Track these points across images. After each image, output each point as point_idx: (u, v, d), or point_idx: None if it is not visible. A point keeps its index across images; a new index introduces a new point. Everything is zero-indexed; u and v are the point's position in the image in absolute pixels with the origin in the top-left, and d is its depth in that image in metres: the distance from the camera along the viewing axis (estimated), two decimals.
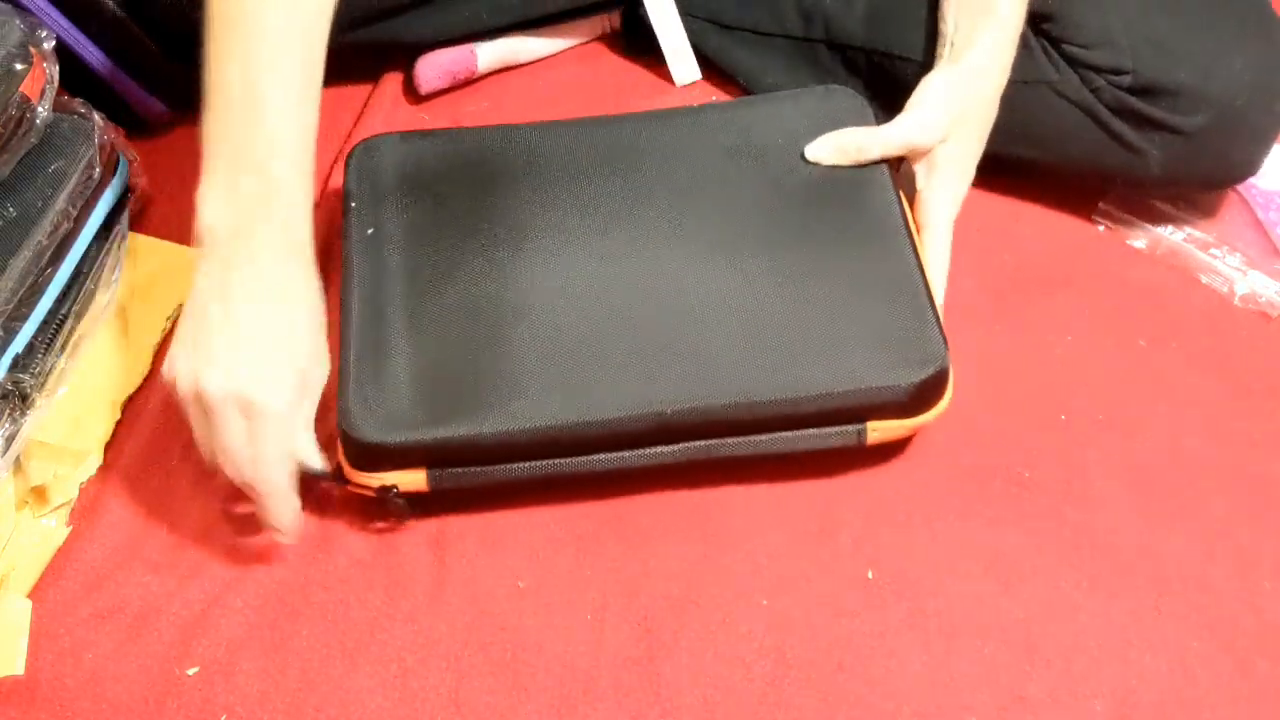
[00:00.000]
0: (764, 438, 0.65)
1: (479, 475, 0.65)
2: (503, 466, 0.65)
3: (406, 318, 0.67)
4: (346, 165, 0.75)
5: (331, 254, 0.80)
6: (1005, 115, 0.75)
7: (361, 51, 0.89)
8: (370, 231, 0.71)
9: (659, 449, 0.65)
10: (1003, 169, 0.80)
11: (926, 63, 0.77)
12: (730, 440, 0.65)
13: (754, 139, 0.75)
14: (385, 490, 0.64)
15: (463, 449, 0.63)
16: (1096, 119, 0.76)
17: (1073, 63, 0.76)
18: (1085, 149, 0.78)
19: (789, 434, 0.65)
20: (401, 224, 0.71)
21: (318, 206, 0.83)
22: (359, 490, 0.65)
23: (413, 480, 0.64)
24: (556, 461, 0.65)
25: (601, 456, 0.65)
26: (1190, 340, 0.77)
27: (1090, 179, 0.82)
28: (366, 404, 0.63)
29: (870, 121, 0.75)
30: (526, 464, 0.65)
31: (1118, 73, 0.75)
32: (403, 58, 0.92)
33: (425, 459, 0.64)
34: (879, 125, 0.74)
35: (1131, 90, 0.75)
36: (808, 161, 0.73)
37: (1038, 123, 0.78)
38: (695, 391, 0.64)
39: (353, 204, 0.73)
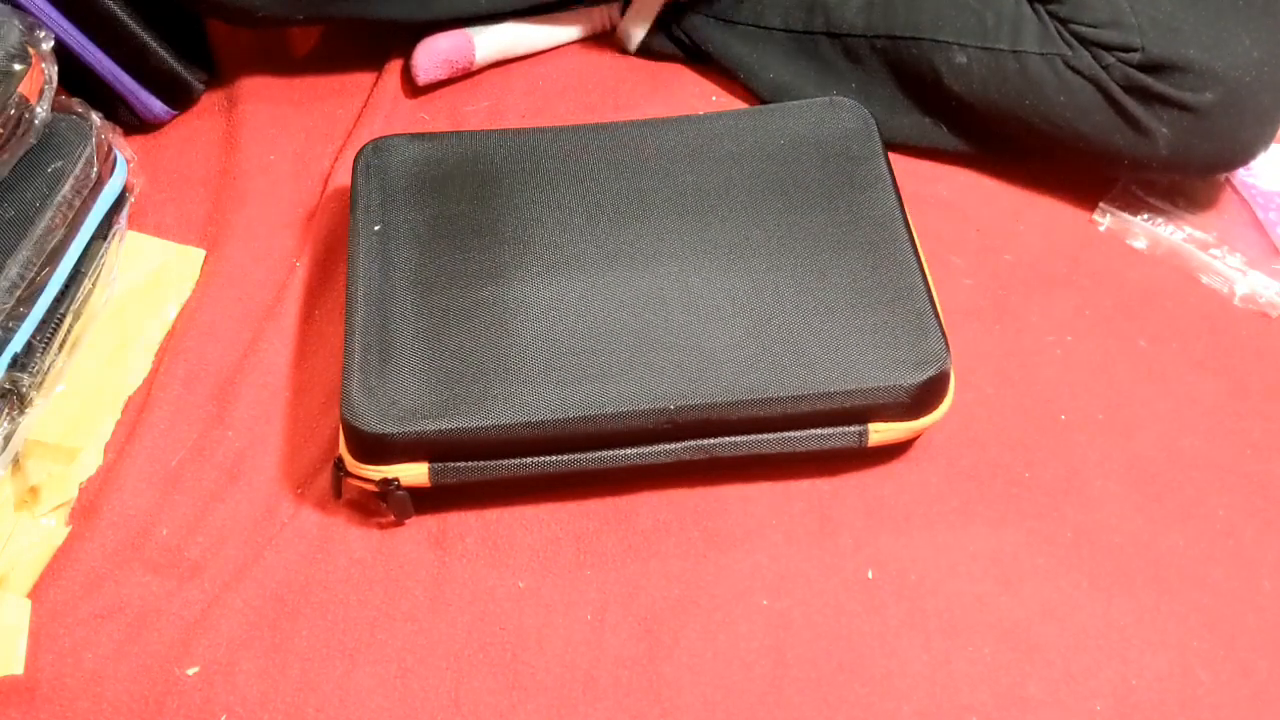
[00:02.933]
0: (766, 437, 0.66)
1: (481, 470, 0.65)
2: (505, 461, 0.65)
3: (412, 312, 0.67)
4: (355, 164, 0.76)
5: (338, 252, 0.80)
6: (1021, 85, 0.76)
7: (359, 35, 0.88)
8: (377, 228, 0.72)
9: (661, 447, 0.65)
10: (1015, 151, 0.80)
11: (929, 40, 0.77)
12: (732, 439, 0.65)
13: (758, 145, 0.76)
14: (387, 483, 0.64)
15: (466, 442, 0.63)
16: (1108, 95, 0.77)
17: (1083, 41, 0.77)
18: (1095, 127, 0.78)
19: (791, 434, 0.66)
20: (409, 221, 0.72)
21: (322, 205, 0.84)
22: (361, 484, 0.65)
23: (415, 474, 0.64)
24: (559, 458, 0.65)
25: (604, 453, 0.65)
26: (1190, 340, 0.77)
27: (1098, 164, 0.81)
28: (371, 395, 0.64)
29: (872, 130, 0.76)
30: (529, 459, 0.65)
31: (1127, 50, 0.75)
32: (401, 51, 0.92)
33: (428, 452, 0.64)
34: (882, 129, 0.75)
35: (1141, 67, 0.75)
36: (811, 167, 0.74)
37: (1051, 96, 0.78)
38: (700, 388, 0.64)
39: (360, 201, 0.73)
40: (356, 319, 0.67)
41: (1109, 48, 0.76)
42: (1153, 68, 0.75)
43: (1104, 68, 0.76)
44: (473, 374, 0.65)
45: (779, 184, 0.74)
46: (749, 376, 0.65)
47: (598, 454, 0.65)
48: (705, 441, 0.65)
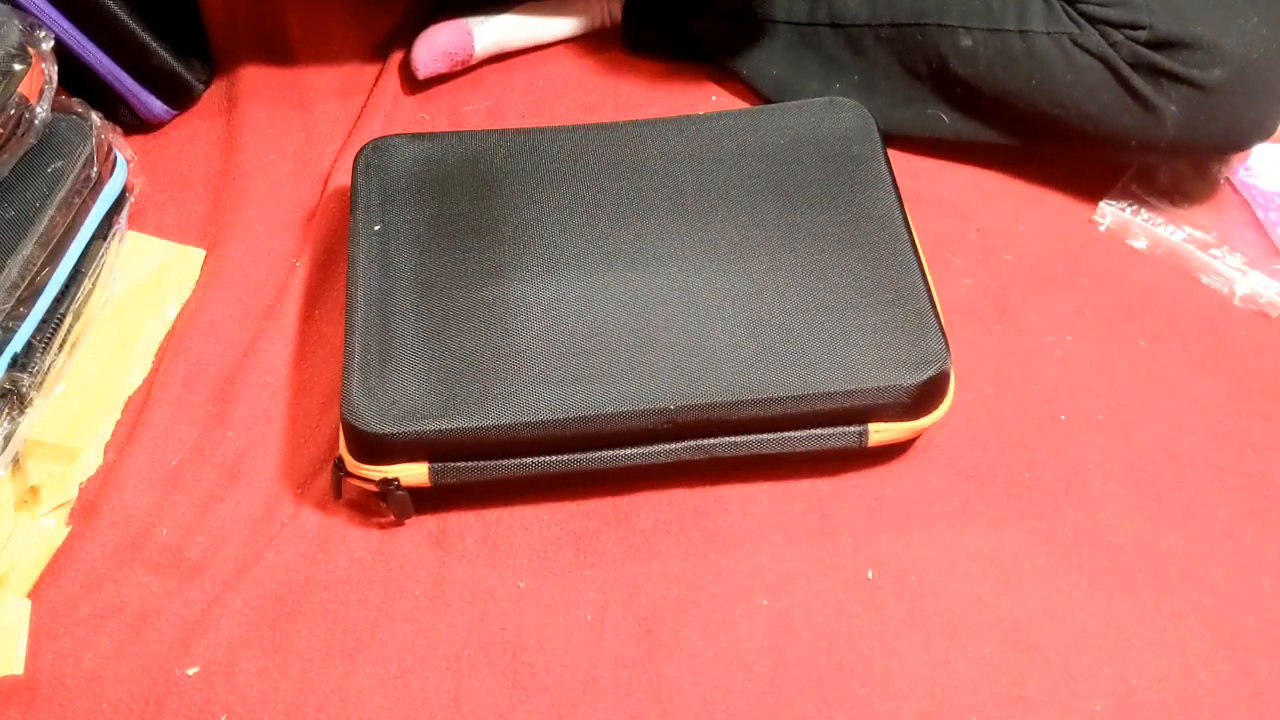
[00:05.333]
0: (766, 437, 0.66)
1: (481, 470, 0.65)
2: (505, 461, 0.65)
3: (412, 312, 0.68)
4: (355, 164, 0.76)
5: (338, 252, 0.80)
6: (1028, 66, 0.76)
7: (357, 22, 0.87)
8: (377, 228, 0.72)
9: (661, 447, 0.65)
10: (1021, 137, 0.81)
11: (934, 25, 0.77)
12: (732, 439, 0.65)
13: (758, 145, 0.76)
14: (387, 483, 0.64)
15: (466, 442, 0.64)
16: (1116, 73, 0.77)
17: (1090, 20, 0.77)
18: (1103, 106, 0.78)
19: (791, 434, 0.66)
20: (408, 221, 0.72)
21: (322, 205, 0.84)
22: (361, 484, 0.65)
23: (415, 474, 0.64)
24: (559, 458, 0.65)
25: (604, 453, 0.65)
26: (1190, 340, 0.77)
27: (1105, 146, 0.81)
28: (371, 395, 0.64)
29: (872, 130, 0.76)
30: (529, 459, 0.65)
31: (1135, 27, 0.75)
32: (401, 50, 0.92)
33: (428, 452, 0.64)
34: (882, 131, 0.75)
35: (1149, 45, 0.75)
36: (811, 167, 0.74)
37: (1059, 76, 0.78)
38: (700, 388, 0.64)
39: (360, 201, 0.74)
40: (356, 319, 0.67)
41: (1117, 25, 0.76)
42: (1161, 45, 0.75)
43: (1112, 45, 0.76)
44: (472, 374, 0.65)
45: (779, 184, 0.74)
46: (749, 376, 0.65)
47: (597, 454, 0.65)
48: (705, 441, 0.65)
